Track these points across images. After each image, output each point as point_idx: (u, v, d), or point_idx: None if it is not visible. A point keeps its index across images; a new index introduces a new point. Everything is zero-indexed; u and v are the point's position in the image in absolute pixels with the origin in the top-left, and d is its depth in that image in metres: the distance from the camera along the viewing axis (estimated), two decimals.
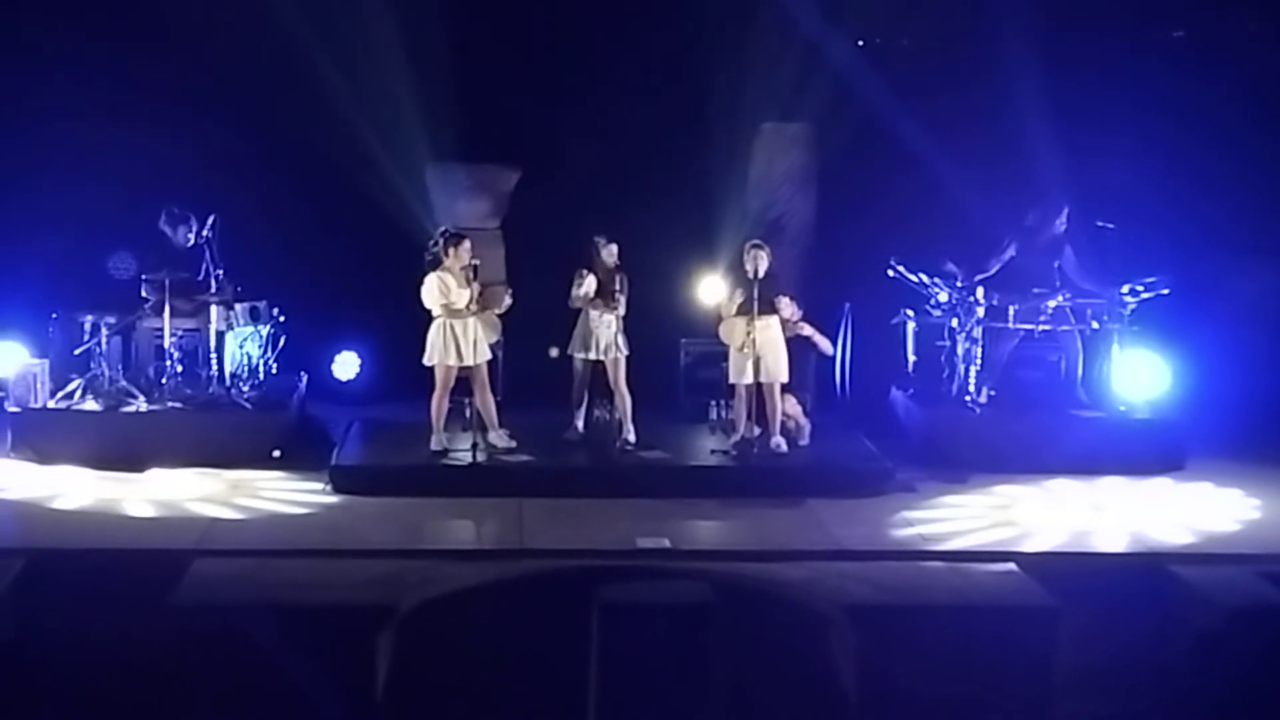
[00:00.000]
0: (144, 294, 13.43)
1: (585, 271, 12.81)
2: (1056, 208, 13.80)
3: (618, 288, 12.78)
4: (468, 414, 12.79)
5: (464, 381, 12.64)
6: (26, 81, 14.51)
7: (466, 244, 12.61)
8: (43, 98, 14.56)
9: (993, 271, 13.76)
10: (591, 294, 12.79)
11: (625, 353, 12.91)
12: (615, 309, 12.82)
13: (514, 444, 12.72)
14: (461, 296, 12.46)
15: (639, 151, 15.09)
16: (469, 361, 12.50)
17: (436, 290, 12.44)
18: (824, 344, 13.37)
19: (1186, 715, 9.51)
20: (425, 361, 12.59)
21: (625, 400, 12.96)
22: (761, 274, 12.62)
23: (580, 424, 13.21)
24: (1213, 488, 12.59)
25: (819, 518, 11.58)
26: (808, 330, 13.20)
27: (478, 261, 12.66)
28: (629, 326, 12.94)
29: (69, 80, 14.51)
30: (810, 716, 9.35)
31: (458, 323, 12.48)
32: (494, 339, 13.00)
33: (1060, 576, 10.01)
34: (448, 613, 9.56)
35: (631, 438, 12.93)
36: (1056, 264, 13.77)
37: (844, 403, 14.75)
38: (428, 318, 12.58)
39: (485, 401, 12.73)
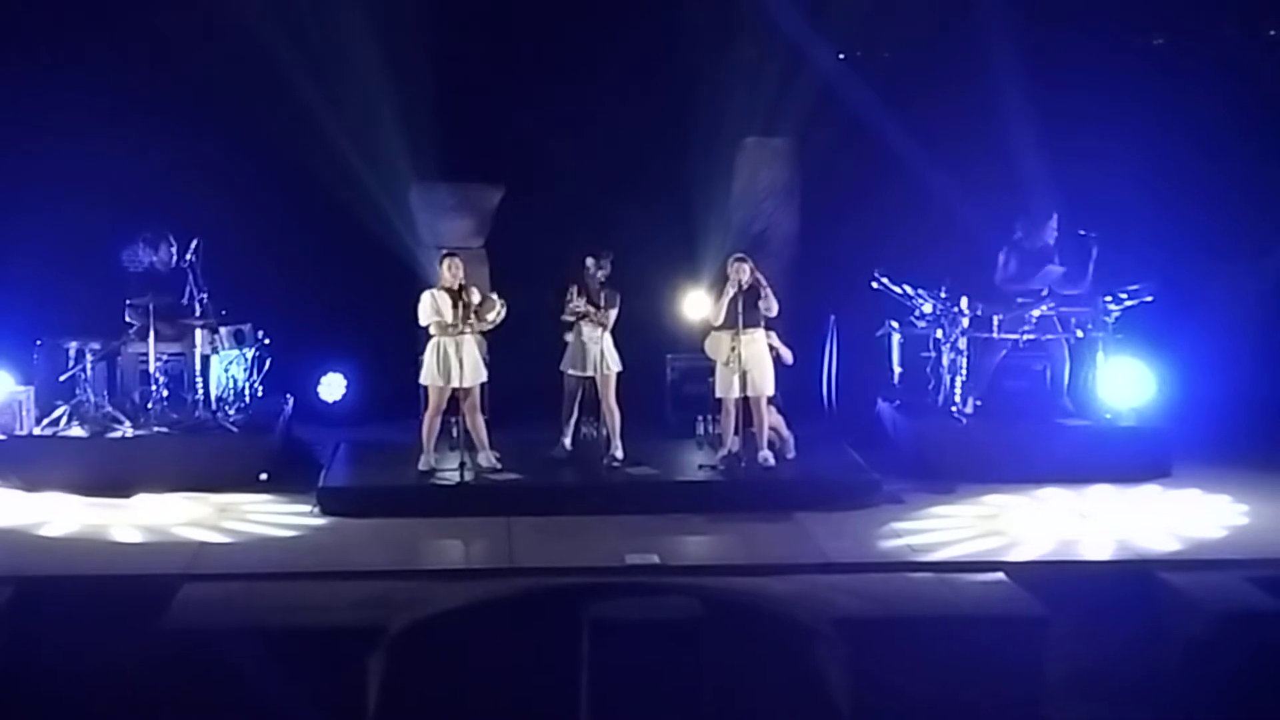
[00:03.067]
0: (128, 319, 13.40)
1: (576, 289, 12.83)
2: (1045, 216, 13.79)
3: (604, 304, 12.79)
4: (455, 433, 12.77)
5: (454, 401, 12.64)
6: (7, 105, 14.48)
7: (457, 261, 12.63)
8: (24, 121, 14.54)
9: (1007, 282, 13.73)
10: (582, 310, 12.81)
11: (617, 369, 12.91)
12: (604, 324, 12.82)
13: (500, 466, 12.72)
14: (452, 313, 12.45)
15: (622, 168, 15.12)
16: (459, 384, 12.50)
17: (428, 307, 12.46)
18: (785, 353, 13.26)
19: None
20: (421, 381, 12.62)
21: (614, 417, 12.95)
22: (745, 287, 12.63)
23: (568, 441, 13.18)
24: (1200, 494, 12.60)
25: (807, 531, 11.57)
26: (774, 340, 13.12)
27: (464, 283, 12.63)
28: (616, 342, 12.94)
29: (51, 103, 14.51)
30: None
31: (451, 343, 12.49)
32: (482, 355, 12.97)
33: (1049, 585, 10.03)
34: (438, 633, 9.57)
35: (619, 454, 12.93)
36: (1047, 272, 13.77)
37: (830, 415, 14.75)
38: (425, 336, 12.60)
39: (475, 423, 12.72)
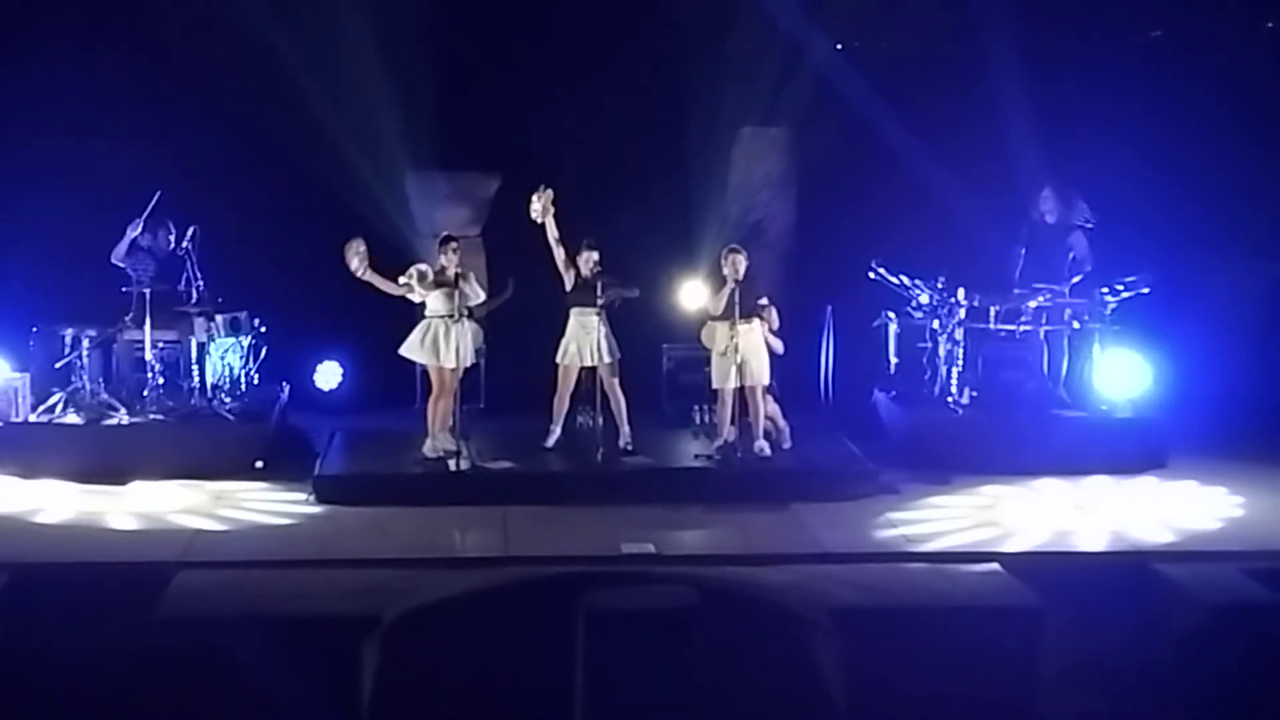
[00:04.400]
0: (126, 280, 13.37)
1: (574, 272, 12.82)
2: (1071, 194, 13.70)
3: (599, 293, 12.73)
4: (452, 421, 12.76)
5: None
6: (4, 96, 14.46)
7: (453, 244, 12.62)
8: (21, 112, 14.52)
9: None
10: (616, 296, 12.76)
11: (617, 356, 12.87)
12: (599, 309, 12.72)
13: (454, 449, 12.62)
14: (447, 303, 12.43)
15: (619, 157, 15.10)
16: (449, 365, 12.47)
17: (413, 272, 12.41)
18: (775, 343, 13.21)
19: (1171, 713, 9.53)
20: (401, 351, 12.57)
21: (620, 403, 12.92)
22: (741, 278, 12.61)
23: (559, 431, 13.14)
24: (1196, 485, 12.62)
25: (803, 521, 11.58)
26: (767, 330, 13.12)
27: (459, 270, 12.63)
28: (612, 330, 12.89)
29: (48, 94, 14.49)
30: None
31: (442, 325, 12.46)
32: (477, 345, 12.96)
33: (1044, 576, 10.02)
34: (433, 621, 9.55)
35: (628, 440, 12.88)
36: (1070, 255, 13.71)
37: (826, 405, 14.76)
38: (420, 317, 12.60)
39: (445, 407, 12.70)
